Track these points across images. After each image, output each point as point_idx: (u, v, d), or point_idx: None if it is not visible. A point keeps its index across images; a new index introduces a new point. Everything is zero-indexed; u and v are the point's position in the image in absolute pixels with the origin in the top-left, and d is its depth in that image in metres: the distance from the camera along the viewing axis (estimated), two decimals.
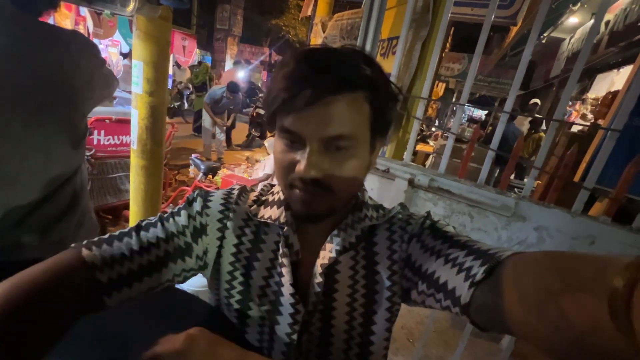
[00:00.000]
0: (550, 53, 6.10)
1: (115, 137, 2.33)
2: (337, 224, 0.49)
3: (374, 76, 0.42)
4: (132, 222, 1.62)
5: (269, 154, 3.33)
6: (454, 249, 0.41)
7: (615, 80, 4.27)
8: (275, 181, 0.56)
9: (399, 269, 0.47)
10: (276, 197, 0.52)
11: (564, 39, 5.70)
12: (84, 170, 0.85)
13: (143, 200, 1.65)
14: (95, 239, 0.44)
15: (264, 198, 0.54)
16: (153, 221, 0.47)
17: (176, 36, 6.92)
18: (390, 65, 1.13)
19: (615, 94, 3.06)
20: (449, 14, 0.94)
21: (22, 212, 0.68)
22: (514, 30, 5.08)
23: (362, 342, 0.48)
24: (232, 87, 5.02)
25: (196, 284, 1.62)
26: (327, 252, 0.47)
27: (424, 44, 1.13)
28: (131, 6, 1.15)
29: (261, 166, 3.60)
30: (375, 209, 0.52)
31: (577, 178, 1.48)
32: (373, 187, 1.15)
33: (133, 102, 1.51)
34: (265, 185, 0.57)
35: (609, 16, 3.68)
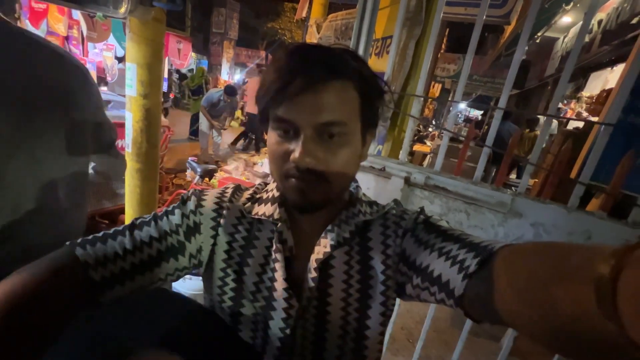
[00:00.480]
0: (545, 52, 6.16)
1: None
2: (331, 220, 0.49)
3: (361, 69, 0.44)
4: None
5: None
6: (447, 243, 0.42)
7: (609, 78, 4.31)
8: (269, 179, 0.56)
9: (393, 263, 0.48)
10: (270, 194, 0.52)
11: (557, 38, 5.76)
12: (85, 190, 0.82)
13: (138, 203, 1.63)
14: (90, 237, 0.45)
15: (258, 196, 0.54)
16: (147, 220, 0.48)
17: (171, 39, 6.92)
18: (385, 65, 1.13)
19: (609, 91, 3.08)
20: (442, 12, 0.94)
21: (14, 220, 0.66)
22: (509, 29, 5.12)
23: (356, 336, 0.48)
24: (230, 90, 5.02)
25: (193, 288, 1.61)
26: (322, 247, 0.48)
27: (418, 43, 1.14)
28: (124, 8, 1.15)
29: (260, 168, 3.59)
30: (370, 205, 0.53)
31: (573, 175, 1.48)
32: (369, 186, 1.15)
33: (127, 105, 1.50)
34: (259, 184, 0.57)
35: (601, 15, 3.72)
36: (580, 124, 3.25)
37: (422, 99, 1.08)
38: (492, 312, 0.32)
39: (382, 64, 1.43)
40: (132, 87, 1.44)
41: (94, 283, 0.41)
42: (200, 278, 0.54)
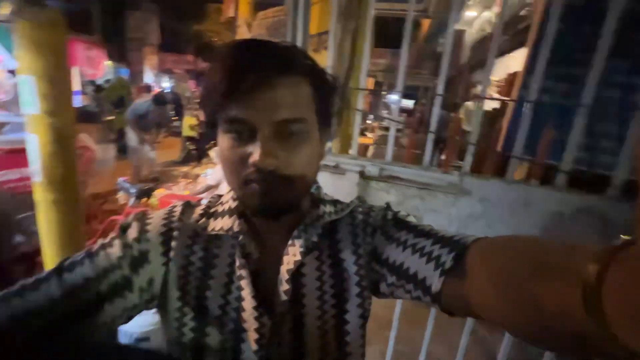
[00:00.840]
0: (457, 43, 6.88)
1: (13, 170, 1.94)
2: (295, 226, 0.46)
3: (312, 64, 0.42)
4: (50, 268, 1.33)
5: (215, 165, 3.10)
6: (419, 239, 0.42)
7: (509, 63, 4.99)
8: (223, 189, 0.52)
9: (365, 262, 0.46)
10: (226, 206, 0.48)
11: (465, 30, 6.48)
12: None
13: (60, 240, 1.38)
14: (2, 293, 0.37)
15: (212, 210, 0.49)
16: (79, 258, 0.41)
17: (78, 46, 6.06)
18: (323, 61, 1.11)
19: (513, 74, 3.56)
20: (374, 5, 0.97)
21: None
22: (426, 23, 5.59)
23: (337, 343, 0.46)
24: (159, 99, 4.61)
25: (146, 324, 1.42)
26: (291, 257, 0.45)
27: (353, 37, 1.15)
28: (4, 9, 0.94)
29: (204, 181, 3.35)
30: (333, 204, 0.51)
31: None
32: (325, 185, 1.13)
33: (29, 125, 1.25)
34: (212, 197, 0.53)
35: (498, 8, 4.28)
36: (495, 105, 3.69)
37: (364, 92, 1.10)
38: (470, 307, 0.33)
39: (320, 60, 1.42)
40: (32, 104, 1.20)
41: (16, 349, 0.34)
42: (153, 311, 0.47)
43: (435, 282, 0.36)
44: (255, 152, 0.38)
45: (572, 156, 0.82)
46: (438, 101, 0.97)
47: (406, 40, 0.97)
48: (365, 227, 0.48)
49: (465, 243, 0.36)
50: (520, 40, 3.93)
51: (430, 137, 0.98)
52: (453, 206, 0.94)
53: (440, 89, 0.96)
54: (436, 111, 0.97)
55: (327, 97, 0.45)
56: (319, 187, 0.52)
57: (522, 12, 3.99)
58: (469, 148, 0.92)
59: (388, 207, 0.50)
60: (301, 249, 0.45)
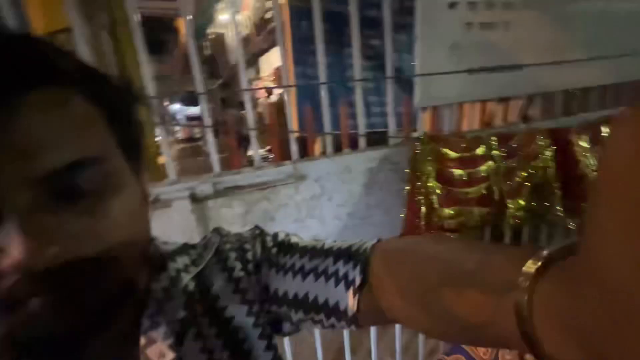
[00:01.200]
0: (222, 45, 7.15)
1: None
2: (142, 313, 0.31)
3: (80, 64, 0.27)
4: None
5: None
6: (316, 260, 0.36)
7: (271, 59, 5.76)
8: None
9: (259, 307, 0.37)
10: None
11: (224, 33, 6.80)
12: None
13: None
14: None
15: None
16: None
17: None
18: None
19: (278, 68, 4.15)
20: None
21: None
22: (182, 27, 5.37)
23: None
24: None
25: None
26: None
27: (115, 37, 0.89)
28: None
29: None
30: (184, 253, 0.37)
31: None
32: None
33: None
34: None
35: (248, 13, 4.73)
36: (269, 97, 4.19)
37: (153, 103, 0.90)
38: (385, 317, 0.31)
39: None
40: None
41: None
42: None
43: (351, 304, 0.32)
44: (10, 245, 0.20)
45: (364, 121, 1.04)
46: (249, 99, 0.94)
47: (191, 43, 0.87)
48: (245, 266, 0.37)
49: (366, 250, 0.34)
50: (274, 39, 4.58)
51: (254, 135, 0.95)
52: (296, 194, 0.97)
53: (244, 83, 0.93)
54: (249, 109, 0.95)
55: (125, 113, 0.30)
56: (152, 240, 0.36)
57: (267, 15, 4.61)
58: (290, 136, 0.97)
59: (262, 231, 0.40)
60: (168, 341, 0.30)
